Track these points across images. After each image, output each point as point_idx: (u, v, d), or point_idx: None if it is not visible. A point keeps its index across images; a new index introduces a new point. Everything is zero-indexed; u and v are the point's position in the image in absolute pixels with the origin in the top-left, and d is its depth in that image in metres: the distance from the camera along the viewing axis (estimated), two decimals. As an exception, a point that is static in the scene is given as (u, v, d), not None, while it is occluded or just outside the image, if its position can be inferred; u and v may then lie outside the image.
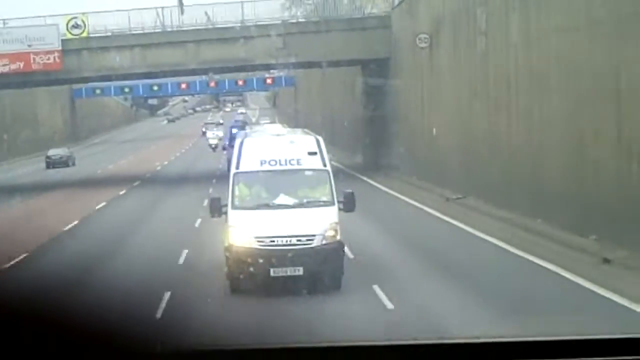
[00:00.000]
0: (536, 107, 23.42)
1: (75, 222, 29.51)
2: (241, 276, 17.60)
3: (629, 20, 18.81)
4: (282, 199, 18.37)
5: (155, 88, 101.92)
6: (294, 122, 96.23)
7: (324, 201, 18.35)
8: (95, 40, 43.90)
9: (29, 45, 43.01)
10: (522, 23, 24.75)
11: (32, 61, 42.97)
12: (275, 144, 19.18)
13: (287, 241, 17.54)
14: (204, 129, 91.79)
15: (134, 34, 44.10)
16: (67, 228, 28.14)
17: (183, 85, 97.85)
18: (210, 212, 18.59)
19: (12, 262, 20.81)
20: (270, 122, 58.92)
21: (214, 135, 74.70)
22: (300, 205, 18.25)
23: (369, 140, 47.45)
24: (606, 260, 18.30)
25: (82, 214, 31.71)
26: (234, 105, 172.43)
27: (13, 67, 43.07)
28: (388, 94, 43.54)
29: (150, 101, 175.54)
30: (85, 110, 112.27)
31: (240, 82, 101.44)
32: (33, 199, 40.18)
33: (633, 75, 18.67)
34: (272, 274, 17.31)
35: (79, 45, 43.58)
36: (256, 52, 44.17)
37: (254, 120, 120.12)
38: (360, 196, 19.36)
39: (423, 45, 35.21)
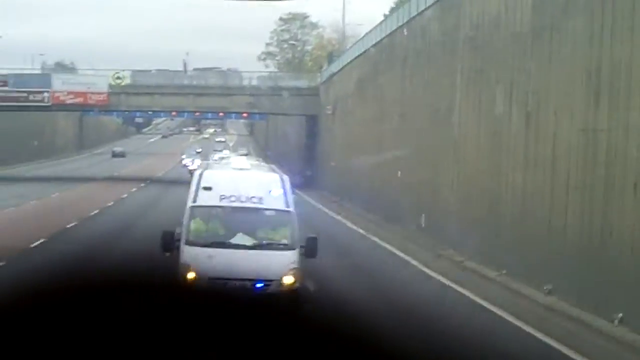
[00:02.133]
0: (376, 154, 49.59)
1: (125, 195, 55.61)
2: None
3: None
4: (240, 238, 17.73)
5: (150, 112, 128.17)
6: (263, 150, 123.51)
7: (284, 244, 17.80)
8: (130, 87, 70.61)
9: (88, 88, 69.58)
10: (361, 111, 50.89)
11: (88, 98, 69.64)
12: (237, 179, 18.72)
13: (242, 285, 17.01)
14: (183, 156, 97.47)
15: (156, 85, 70.96)
16: (123, 196, 54.38)
17: (173, 112, 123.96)
18: (162, 247, 17.89)
19: (94, 212, 45.45)
20: (246, 154, 76.98)
21: (192, 163, 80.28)
22: (258, 246, 17.64)
23: (307, 167, 73.61)
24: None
25: (124, 194, 57.52)
26: (214, 130, 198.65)
27: (77, 100, 69.72)
28: (318, 138, 69.83)
29: (137, 119, 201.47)
30: (89, 125, 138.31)
31: (221, 114, 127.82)
32: (89, 183, 66.53)
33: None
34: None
35: (120, 90, 70.29)
36: (235, 104, 71.16)
37: (231, 145, 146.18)
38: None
39: (329, 112, 61.80)
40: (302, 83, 74.81)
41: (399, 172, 38.06)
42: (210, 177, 18.67)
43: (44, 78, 71.19)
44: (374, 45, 46.52)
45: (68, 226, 36.13)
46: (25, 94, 68.38)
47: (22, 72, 72.08)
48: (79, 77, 73.09)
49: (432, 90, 32.98)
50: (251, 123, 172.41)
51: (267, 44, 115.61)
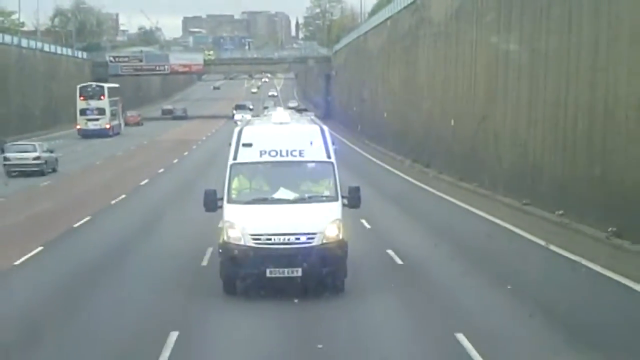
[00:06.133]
0: (351, 98, 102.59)
1: (221, 124, 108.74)
2: (235, 276, 18.38)
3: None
4: (282, 193, 18.65)
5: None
6: (302, 91, 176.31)
7: (327, 196, 18.71)
8: (215, 60, 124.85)
9: (191, 61, 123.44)
10: (345, 76, 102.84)
11: (191, 68, 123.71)
12: (276, 134, 19.46)
13: (285, 239, 17.89)
14: (233, 111, 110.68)
15: (230, 59, 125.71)
16: (220, 125, 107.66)
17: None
18: (205, 206, 18.97)
19: (213, 130, 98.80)
20: (296, 106, 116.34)
21: (242, 118, 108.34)
22: (301, 200, 18.56)
23: (324, 105, 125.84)
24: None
25: (219, 124, 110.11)
26: (265, 77, 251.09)
27: (185, 69, 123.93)
28: (331, 88, 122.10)
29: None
30: (168, 77, 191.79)
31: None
32: (195, 120, 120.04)
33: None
34: (268, 274, 17.83)
35: (210, 63, 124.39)
36: (279, 68, 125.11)
37: (279, 89, 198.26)
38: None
39: (333, 73, 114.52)
40: (324, 51, 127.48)
41: (354, 108, 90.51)
42: (249, 133, 19.34)
43: (164, 55, 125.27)
44: (347, 45, 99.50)
45: (209, 134, 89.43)
46: (153, 66, 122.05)
47: (150, 51, 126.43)
48: (185, 54, 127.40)
49: (365, 73, 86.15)
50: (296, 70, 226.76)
51: (306, 17, 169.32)
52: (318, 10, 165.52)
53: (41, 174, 48.37)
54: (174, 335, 15.85)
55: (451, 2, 47.58)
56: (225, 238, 18.18)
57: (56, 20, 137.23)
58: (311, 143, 19.09)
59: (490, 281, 20.86)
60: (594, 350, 15.25)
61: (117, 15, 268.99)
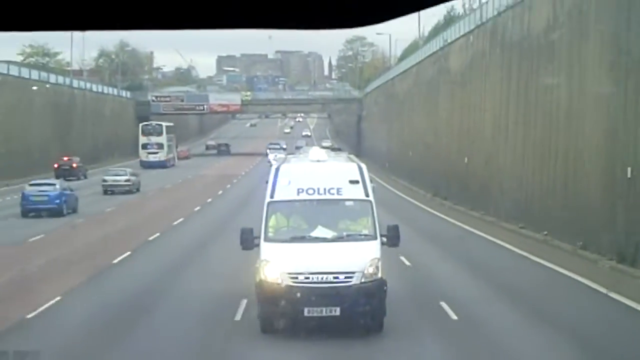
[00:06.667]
0: (379, 137, 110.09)
1: (257, 162, 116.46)
2: (273, 315, 18.20)
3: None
4: (320, 231, 18.75)
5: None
6: (335, 130, 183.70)
7: (365, 235, 18.83)
8: (252, 101, 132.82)
9: (229, 101, 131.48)
10: (374, 116, 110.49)
11: (229, 107, 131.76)
12: (314, 171, 19.67)
13: (323, 278, 17.97)
14: (267, 151, 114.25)
15: (266, 99, 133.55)
16: (256, 163, 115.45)
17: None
18: (241, 244, 19.31)
19: (252, 166, 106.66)
20: (330, 145, 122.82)
21: (275, 157, 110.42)
22: (339, 238, 18.74)
23: (355, 144, 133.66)
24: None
25: (255, 162, 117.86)
26: (299, 116, 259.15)
27: (222, 109, 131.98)
28: (362, 127, 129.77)
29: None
30: (206, 116, 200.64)
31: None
32: (232, 157, 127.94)
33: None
34: (306, 313, 17.83)
35: (247, 103, 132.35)
36: (313, 108, 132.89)
37: (312, 127, 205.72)
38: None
39: (364, 114, 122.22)
40: (355, 93, 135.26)
41: (383, 147, 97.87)
42: (286, 170, 19.61)
43: (204, 96, 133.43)
44: (376, 88, 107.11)
45: (247, 170, 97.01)
46: (193, 105, 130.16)
47: (191, 92, 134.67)
48: (223, 95, 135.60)
49: (393, 115, 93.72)
50: (330, 112, 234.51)
51: (338, 58, 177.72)
52: (350, 53, 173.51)
53: (130, 192, 62.65)
54: (243, 302, 22.19)
55: (466, 55, 55.10)
56: (262, 277, 18.32)
57: (100, 60, 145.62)
58: (349, 181, 19.26)
59: (484, 279, 28.27)
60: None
61: (152, 53, 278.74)
